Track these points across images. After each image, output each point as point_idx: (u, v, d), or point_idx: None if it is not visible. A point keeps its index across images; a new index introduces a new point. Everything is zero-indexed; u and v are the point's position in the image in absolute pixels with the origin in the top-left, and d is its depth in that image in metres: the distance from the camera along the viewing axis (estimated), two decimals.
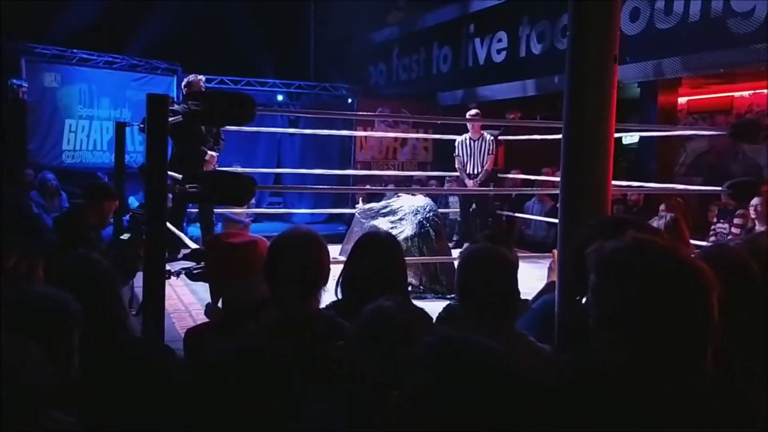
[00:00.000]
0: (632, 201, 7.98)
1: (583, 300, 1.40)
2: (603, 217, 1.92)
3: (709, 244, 4.79)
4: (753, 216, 5.40)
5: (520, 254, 3.74)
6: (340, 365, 1.55)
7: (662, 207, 6.64)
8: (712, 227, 6.96)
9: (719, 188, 5.70)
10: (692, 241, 4.72)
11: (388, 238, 2.68)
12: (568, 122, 2.14)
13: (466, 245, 3.13)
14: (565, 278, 2.09)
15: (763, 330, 1.74)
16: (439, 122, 9.92)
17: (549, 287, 3.01)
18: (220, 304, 2.42)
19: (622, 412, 1.20)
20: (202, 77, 7.01)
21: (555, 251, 2.97)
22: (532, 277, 3.72)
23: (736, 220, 6.44)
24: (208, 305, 2.52)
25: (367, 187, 10.21)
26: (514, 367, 1.23)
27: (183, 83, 7.13)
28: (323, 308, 2.15)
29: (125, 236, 4.84)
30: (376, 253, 2.50)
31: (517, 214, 9.06)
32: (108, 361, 1.64)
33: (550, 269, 3.11)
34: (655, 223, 3.36)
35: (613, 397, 1.22)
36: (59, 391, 1.44)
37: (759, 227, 5.27)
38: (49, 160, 9.87)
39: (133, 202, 8.64)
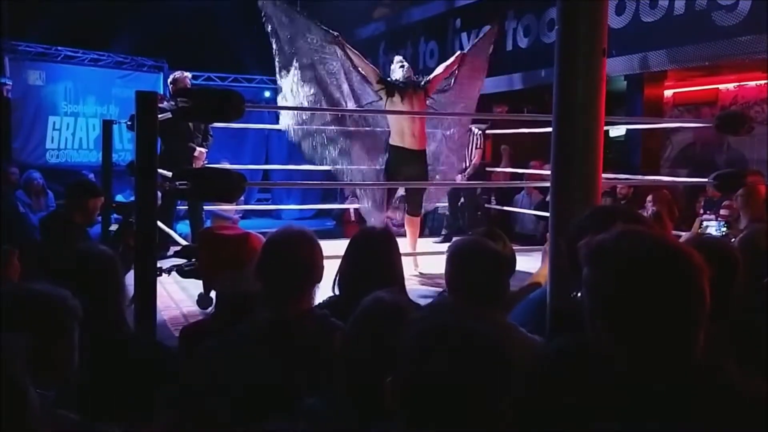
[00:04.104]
0: (621, 194, 8.03)
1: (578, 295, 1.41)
2: (595, 208, 1.94)
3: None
4: (737, 206, 5.45)
5: None
6: (338, 357, 1.55)
7: (649, 198, 6.69)
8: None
9: (705, 180, 5.75)
10: (679, 233, 4.76)
11: (384, 233, 2.71)
12: (558, 115, 2.16)
13: (455, 239, 3.15)
14: (557, 269, 2.11)
15: (743, 318, 1.77)
16: (426, 115, 9.81)
17: (531, 286, 3.00)
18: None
19: (616, 395, 1.22)
20: (187, 74, 6.96)
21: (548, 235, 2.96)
22: (523, 269, 3.73)
23: (722, 212, 6.50)
24: (200, 295, 2.56)
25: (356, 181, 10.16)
26: (502, 350, 1.24)
27: (169, 80, 7.08)
28: (317, 306, 2.16)
29: (114, 227, 4.85)
30: (372, 249, 2.53)
31: (505, 208, 9.08)
32: (110, 356, 1.64)
33: (544, 252, 3.09)
34: None
35: (607, 380, 1.24)
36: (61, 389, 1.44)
37: (743, 218, 5.31)
38: (34, 159, 9.77)
39: (121, 200, 8.60)
